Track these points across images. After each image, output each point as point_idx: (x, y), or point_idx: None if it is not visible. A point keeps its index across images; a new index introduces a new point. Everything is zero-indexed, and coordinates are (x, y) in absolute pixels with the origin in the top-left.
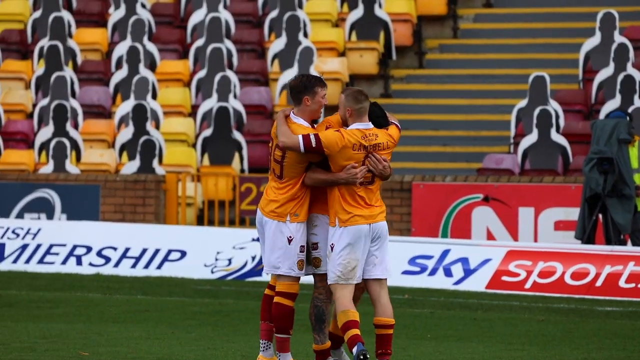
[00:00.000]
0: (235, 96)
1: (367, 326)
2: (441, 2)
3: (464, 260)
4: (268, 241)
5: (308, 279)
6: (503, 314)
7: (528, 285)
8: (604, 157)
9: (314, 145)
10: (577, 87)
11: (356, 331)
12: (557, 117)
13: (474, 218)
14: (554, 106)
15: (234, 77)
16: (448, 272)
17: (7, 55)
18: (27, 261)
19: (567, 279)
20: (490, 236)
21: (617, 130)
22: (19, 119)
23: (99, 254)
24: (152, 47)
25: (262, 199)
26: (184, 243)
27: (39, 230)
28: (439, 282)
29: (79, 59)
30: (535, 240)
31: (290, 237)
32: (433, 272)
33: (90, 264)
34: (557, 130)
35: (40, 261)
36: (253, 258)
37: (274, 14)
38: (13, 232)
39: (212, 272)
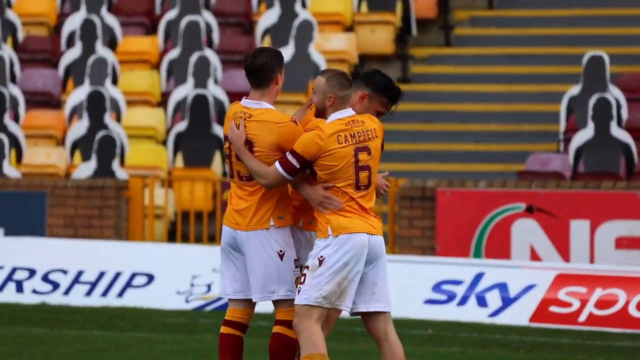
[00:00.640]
0: (215, 81)
1: None
2: None
3: (502, 287)
4: (253, 262)
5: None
6: (551, 354)
7: (582, 318)
8: None
9: (297, 165)
10: None
11: None
12: (619, 107)
13: (514, 233)
14: (614, 94)
15: (214, 58)
16: (482, 302)
17: None
18: None
19: (632, 311)
20: (534, 256)
21: None
22: None
23: (45, 278)
24: (111, 20)
25: (227, 214)
26: (152, 265)
27: None
28: (471, 313)
29: (20, 35)
30: (592, 261)
31: (280, 251)
32: (463, 301)
33: (34, 291)
34: (619, 123)
35: None
36: None
37: None
38: None
39: (187, 301)
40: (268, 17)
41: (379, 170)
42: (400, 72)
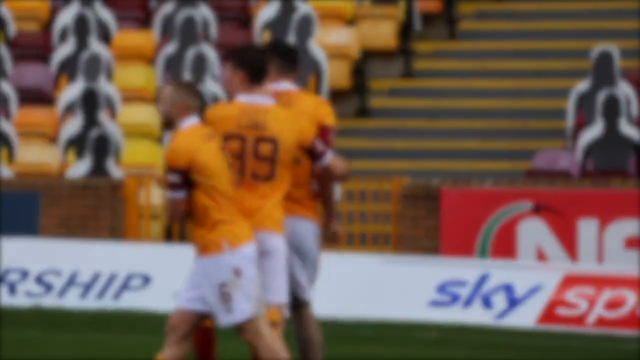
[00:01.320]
0: (213, 77)
1: None
2: None
3: (508, 288)
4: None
5: None
6: (560, 357)
7: (591, 319)
8: None
9: None
10: None
11: None
12: (629, 103)
13: (520, 233)
14: (624, 89)
15: (211, 53)
16: (488, 303)
17: None
18: None
19: None
20: (541, 256)
21: None
22: None
23: (39, 280)
24: (105, 14)
25: (255, 215)
26: (148, 266)
27: None
28: (476, 315)
29: (11, 30)
30: (600, 261)
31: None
32: (468, 303)
33: (28, 294)
34: (629, 120)
35: None
36: None
37: None
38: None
39: None
40: (267, 11)
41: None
42: (404, 68)
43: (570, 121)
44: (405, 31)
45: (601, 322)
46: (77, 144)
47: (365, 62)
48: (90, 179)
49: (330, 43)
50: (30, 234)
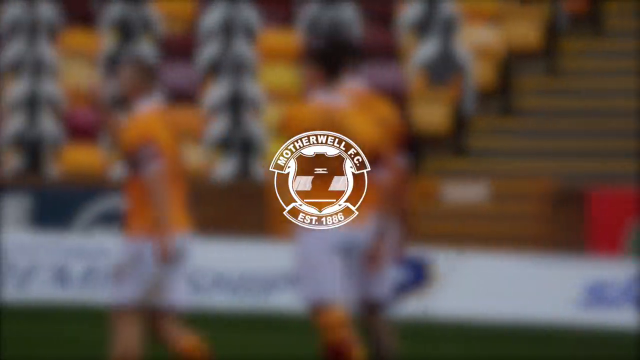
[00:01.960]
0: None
1: None
2: None
3: None
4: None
5: None
6: None
7: None
8: None
9: None
10: None
11: None
12: None
13: None
14: None
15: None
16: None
17: (70, 23)
18: (92, 288)
19: None
20: None
21: None
22: (80, 107)
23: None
24: (251, 14)
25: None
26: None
27: (108, 249)
28: (626, 316)
29: (158, 31)
30: None
31: None
32: (616, 304)
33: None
34: None
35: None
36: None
37: None
38: (78, 251)
39: None
40: (411, 11)
41: None
42: (550, 67)
43: None
44: (551, 30)
45: None
46: (222, 145)
47: (510, 62)
48: (235, 180)
49: (475, 42)
50: None
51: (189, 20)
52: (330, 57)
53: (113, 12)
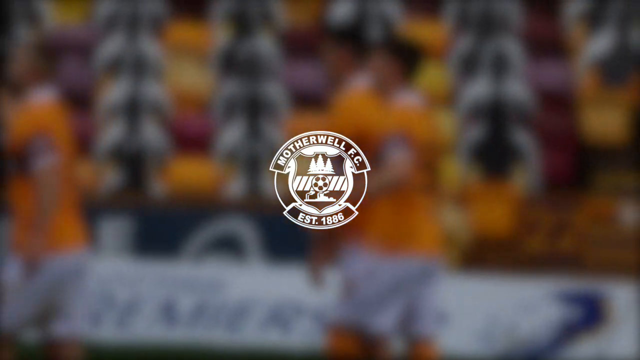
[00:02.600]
0: (516, 76)
1: None
2: None
3: None
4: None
5: None
6: None
7: None
8: None
9: None
10: None
11: None
12: None
13: None
14: None
15: (514, 47)
16: None
17: (177, 15)
18: (204, 326)
19: None
20: None
21: None
22: (189, 113)
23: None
24: (388, 6)
25: (422, 236)
26: (443, 300)
27: (223, 281)
28: None
29: (282, 23)
30: None
31: None
32: None
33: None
34: None
35: (229, 327)
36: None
37: None
38: (187, 283)
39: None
40: None
41: None
42: None
43: None
44: None
45: None
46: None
47: None
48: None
49: None
50: (305, 260)
51: (316, 10)
52: (408, 50)
53: (228, 2)
